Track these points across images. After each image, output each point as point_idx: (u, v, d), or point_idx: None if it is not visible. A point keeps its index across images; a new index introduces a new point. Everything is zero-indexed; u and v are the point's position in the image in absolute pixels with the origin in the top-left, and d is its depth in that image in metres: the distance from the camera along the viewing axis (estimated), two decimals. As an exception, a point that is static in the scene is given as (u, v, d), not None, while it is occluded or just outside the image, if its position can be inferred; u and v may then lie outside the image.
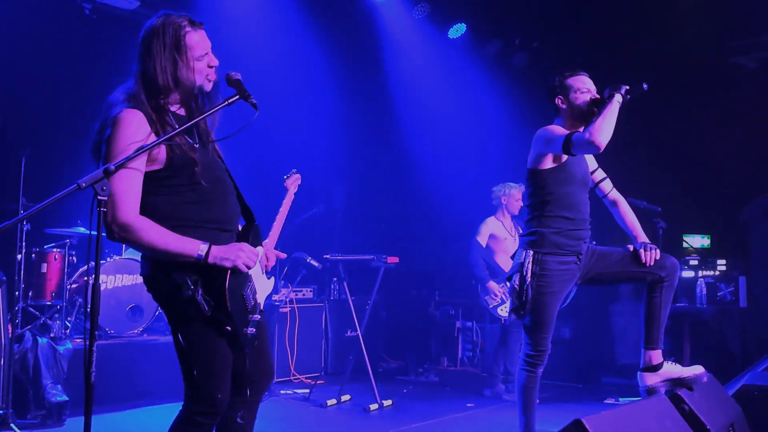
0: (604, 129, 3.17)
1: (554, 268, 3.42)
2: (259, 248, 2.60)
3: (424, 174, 8.00)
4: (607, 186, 3.75)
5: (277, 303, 6.38)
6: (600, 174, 3.76)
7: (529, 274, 3.43)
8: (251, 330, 2.48)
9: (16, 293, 5.24)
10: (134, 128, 2.34)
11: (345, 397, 5.73)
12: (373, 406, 5.45)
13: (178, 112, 2.53)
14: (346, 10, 7.30)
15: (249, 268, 2.41)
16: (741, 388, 3.90)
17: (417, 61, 7.77)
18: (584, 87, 3.49)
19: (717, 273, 6.25)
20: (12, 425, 4.24)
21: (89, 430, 2.13)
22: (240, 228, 2.63)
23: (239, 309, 2.43)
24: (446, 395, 6.23)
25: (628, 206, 3.74)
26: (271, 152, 7.68)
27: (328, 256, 5.86)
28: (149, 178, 2.39)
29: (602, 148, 3.20)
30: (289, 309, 6.48)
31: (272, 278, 2.83)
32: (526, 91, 7.03)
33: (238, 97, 2.48)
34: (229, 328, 2.39)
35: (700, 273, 6.26)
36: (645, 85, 3.35)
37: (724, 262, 6.30)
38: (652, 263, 3.40)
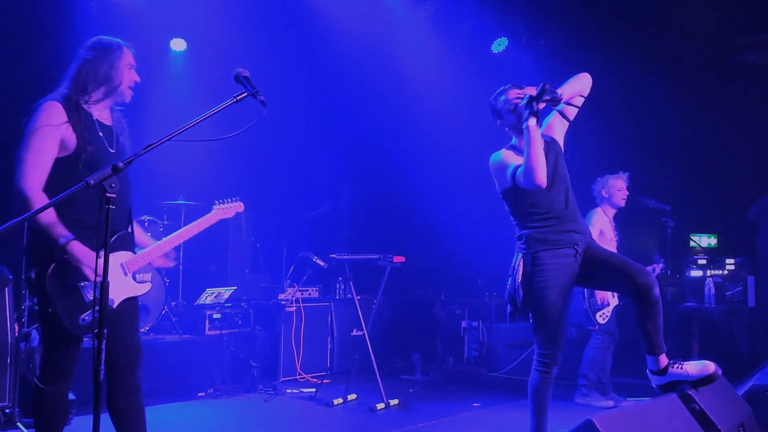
0: (533, 170, 3.21)
1: (549, 262, 3.36)
2: (121, 254, 2.90)
3: (430, 173, 7.96)
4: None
5: (283, 302, 6.38)
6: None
7: (519, 275, 3.41)
8: (86, 318, 2.76)
9: (23, 292, 5.24)
10: (49, 114, 2.70)
11: (351, 397, 5.72)
12: (380, 406, 5.44)
13: (99, 118, 2.87)
14: (355, 6, 7.27)
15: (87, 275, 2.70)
16: (751, 388, 3.87)
17: (426, 59, 7.74)
18: (511, 103, 3.63)
19: (725, 272, 6.21)
20: (19, 424, 4.24)
21: (98, 429, 2.12)
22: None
23: (65, 297, 2.71)
24: (452, 395, 6.21)
25: None
26: (277, 151, 7.68)
27: (334, 256, 5.85)
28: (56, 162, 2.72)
29: (545, 185, 3.25)
30: (295, 308, 6.47)
31: (147, 284, 3.03)
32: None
33: (246, 94, 2.47)
34: (50, 309, 2.69)
35: (708, 272, 6.22)
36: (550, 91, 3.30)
37: (732, 261, 6.26)
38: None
